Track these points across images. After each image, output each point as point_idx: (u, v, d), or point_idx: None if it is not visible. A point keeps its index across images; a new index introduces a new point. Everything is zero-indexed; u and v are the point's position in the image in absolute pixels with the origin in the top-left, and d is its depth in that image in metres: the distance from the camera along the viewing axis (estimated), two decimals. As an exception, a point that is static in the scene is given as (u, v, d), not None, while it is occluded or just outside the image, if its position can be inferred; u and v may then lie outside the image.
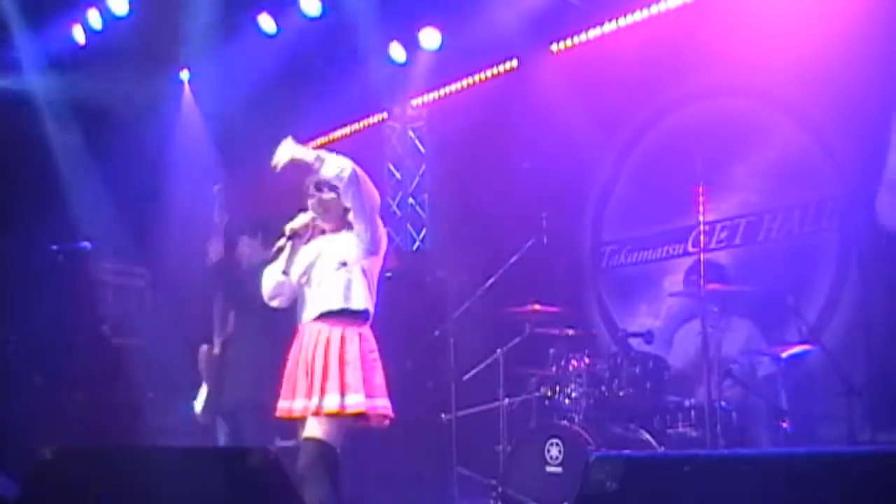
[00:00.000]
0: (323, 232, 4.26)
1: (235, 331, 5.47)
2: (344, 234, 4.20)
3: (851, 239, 5.79)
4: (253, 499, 2.80)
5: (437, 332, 6.13)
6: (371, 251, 4.14)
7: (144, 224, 7.73)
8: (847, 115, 5.78)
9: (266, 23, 7.28)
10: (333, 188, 4.13)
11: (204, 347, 5.46)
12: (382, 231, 4.22)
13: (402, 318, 6.94)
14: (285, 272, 4.21)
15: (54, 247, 5.65)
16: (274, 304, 4.30)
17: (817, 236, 5.98)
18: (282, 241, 4.19)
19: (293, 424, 4.14)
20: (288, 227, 4.19)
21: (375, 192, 4.15)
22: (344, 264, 4.10)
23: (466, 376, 6.04)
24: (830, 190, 5.93)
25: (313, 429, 3.94)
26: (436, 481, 6.36)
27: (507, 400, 5.79)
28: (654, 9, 6.69)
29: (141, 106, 7.60)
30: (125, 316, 7.95)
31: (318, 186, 4.17)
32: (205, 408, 5.47)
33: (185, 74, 8.26)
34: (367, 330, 4.12)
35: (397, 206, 8.84)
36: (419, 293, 7.27)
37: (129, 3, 7.13)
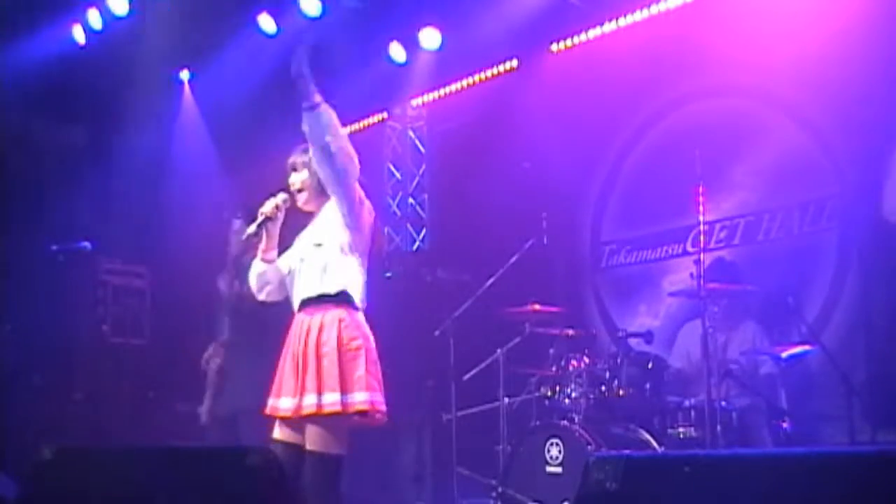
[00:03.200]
0: (308, 216, 4.01)
1: (234, 335, 5.45)
2: (322, 212, 3.95)
3: (851, 239, 5.79)
4: (253, 499, 2.80)
5: (437, 332, 6.13)
6: (350, 225, 3.83)
7: (144, 224, 7.74)
8: (847, 115, 5.78)
9: (266, 23, 7.28)
10: (307, 167, 3.91)
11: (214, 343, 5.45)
12: (364, 204, 3.90)
13: (402, 318, 6.95)
14: (266, 260, 3.96)
15: (54, 247, 5.65)
16: (262, 296, 4.04)
17: (817, 236, 5.98)
18: (251, 228, 3.89)
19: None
20: (260, 211, 3.92)
21: (355, 161, 3.86)
22: (319, 245, 3.83)
23: (466, 376, 6.04)
24: (830, 190, 5.93)
25: (312, 441, 3.71)
26: (436, 481, 6.36)
27: (507, 400, 5.79)
28: (654, 9, 6.69)
29: (141, 106, 7.60)
30: (125, 316, 7.95)
31: (294, 167, 3.98)
32: (209, 414, 5.48)
33: (185, 74, 8.26)
34: (349, 314, 3.79)
35: (397, 206, 8.84)
36: (419, 293, 7.28)
37: (129, 3, 7.13)
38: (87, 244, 5.67)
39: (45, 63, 7.25)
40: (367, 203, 3.94)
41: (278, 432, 3.86)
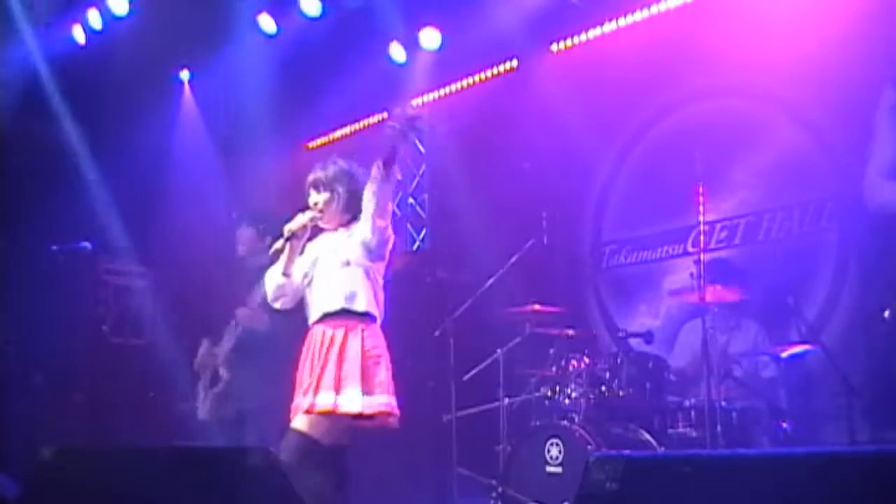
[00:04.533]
0: (323, 231, 4.22)
1: (240, 339, 5.45)
2: (344, 231, 4.15)
3: (851, 238, 5.79)
4: (253, 499, 2.80)
5: (437, 332, 6.12)
6: (377, 254, 4.08)
7: (144, 224, 7.73)
8: (847, 115, 5.78)
9: (266, 23, 7.28)
10: (329, 188, 4.11)
11: (205, 341, 5.44)
12: (390, 235, 4.15)
13: (402, 318, 6.92)
14: (286, 274, 4.15)
15: (54, 247, 5.65)
16: (277, 305, 4.25)
17: (817, 236, 5.98)
18: (279, 244, 4.13)
19: None
20: (286, 228, 4.13)
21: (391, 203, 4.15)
22: (347, 263, 4.05)
23: (466, 376, 6.04)
24: (830, 190, 5.93)
25: (300, 422, 3.91)
26: (436, 481, 6.36)
27: (507, 400, 5.79)
28: (654, 9, 6.68)
29: (141, 106, 7.60)
30: (125, 316, 7.95)
31: (316, 186, 4.15)
32: (210, 413, 5.48)
33: (185, 74, 8.26)
34: (371, 327, 4.05)
35: (397, 206, 8.83)
36: (419, 293, 7.27)
37: (129, 3, 7.13)
38: (87, 244, 5.68)
39: (45, 63, 7.25)
40: (392, 236, 4.16)
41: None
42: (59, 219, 6.83)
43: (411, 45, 7.48)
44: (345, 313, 4.00)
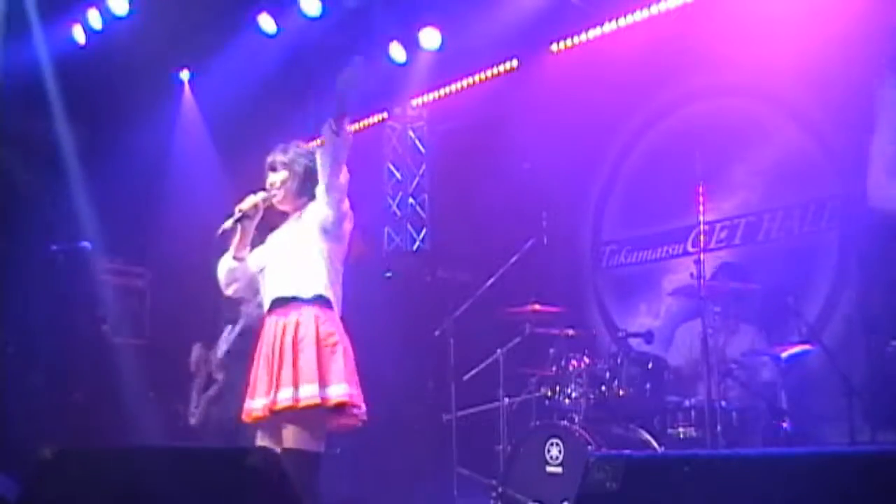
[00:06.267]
0: (283, 215, 4.04)
1: (234, 345, 5.45)
2: (300, 216, 3.96)
3: (851, 238, 5.79)
4: (253, 499, 2.80)
5: (437, 332, 6.13)
6: (333, 234, 3.87)
7: (144, 224, 7.73)
8: (847, 115, 5.78)
9: (266, 23, 7.28)
10: (286, 167, 3.94)
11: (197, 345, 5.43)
12: (348, 215, 3.92)
13: (402, 318, 6.94)
14: (237, 258, 3.97)
15: (54, 247, 5.65)
16: (229, 291, 4.05)
17: (817, 236, 5.98)
18: (228, 223, 3.91)
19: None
20: (237, 208, 3.94)
21: (347, 176, 3.88)
22: (297, 248, 3.85)
23: (466, 376, 6.04)
24: (830, 190, 5.93)
25: (289, 439, 3.69)
26: (436, 481, 6.36)
27: (507, 400, 5.79)
28: (654, 9, 6.69)
29: (141, 106, 7.60)
30: (125, 316, 7.95)
31: (272, 166, 3.98)
32: (203, 416, 5.48)
33: (185, 74, 8.27)
34: (325, 312, 3.80)
35: (397, 206, 8.84)
36: (419, 293, 7.27)
37: (129, 3, 7.13)
38: (87, 244, 5.68)
39: (45, 63, 7.25)
40: (350, 213, 3.95)
41: (259, 438, 3.83)
42: (59, 219, 6.83)
43: (411, 45, 7.48)
44: (296, 300, 3.79)
